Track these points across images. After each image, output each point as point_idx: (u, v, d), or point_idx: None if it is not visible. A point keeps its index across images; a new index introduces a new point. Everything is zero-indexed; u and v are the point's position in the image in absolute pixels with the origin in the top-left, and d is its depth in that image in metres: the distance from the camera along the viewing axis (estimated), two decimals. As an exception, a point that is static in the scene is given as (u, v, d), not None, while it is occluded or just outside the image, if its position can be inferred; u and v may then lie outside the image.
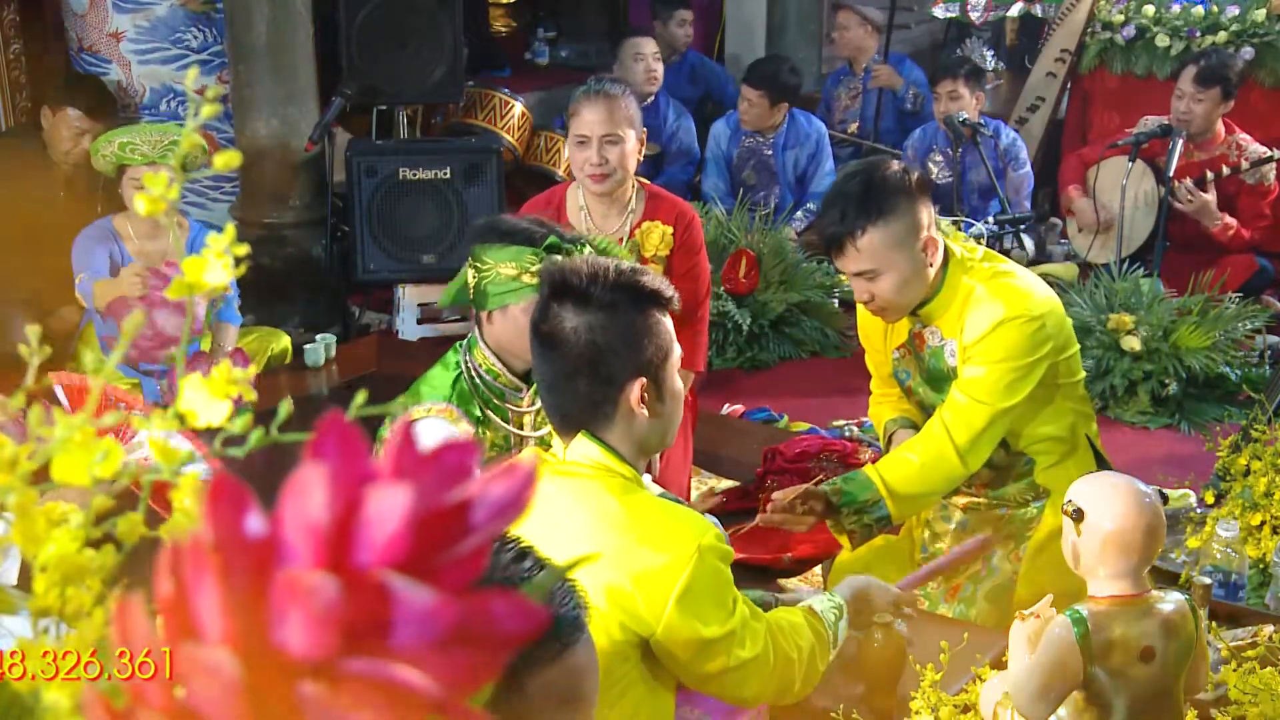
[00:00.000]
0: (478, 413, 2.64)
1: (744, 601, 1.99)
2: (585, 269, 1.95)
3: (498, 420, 2.64)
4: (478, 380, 2.64)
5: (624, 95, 3.37)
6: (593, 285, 1.93)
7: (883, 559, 2.95)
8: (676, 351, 2.01)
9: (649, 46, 6.14)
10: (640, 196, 3.45)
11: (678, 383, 2.02)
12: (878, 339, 2.95)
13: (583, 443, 1.95)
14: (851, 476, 2.72)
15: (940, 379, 2.80)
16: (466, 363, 2.66)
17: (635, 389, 1.94)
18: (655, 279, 2.00)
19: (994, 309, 2.65)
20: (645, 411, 1.96)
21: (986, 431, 2.67)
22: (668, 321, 1.99)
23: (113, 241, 4.08)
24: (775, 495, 2.70)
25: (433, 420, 2.59)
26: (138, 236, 4.10)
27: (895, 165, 2.70)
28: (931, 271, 2.68)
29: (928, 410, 2.88)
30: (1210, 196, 5.04)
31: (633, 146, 3.34)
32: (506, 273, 2.56)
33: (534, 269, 2.51)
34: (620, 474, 1.94)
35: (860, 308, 2.96)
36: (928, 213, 2.67)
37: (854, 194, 2.62)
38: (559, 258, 2.50)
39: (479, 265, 2.60)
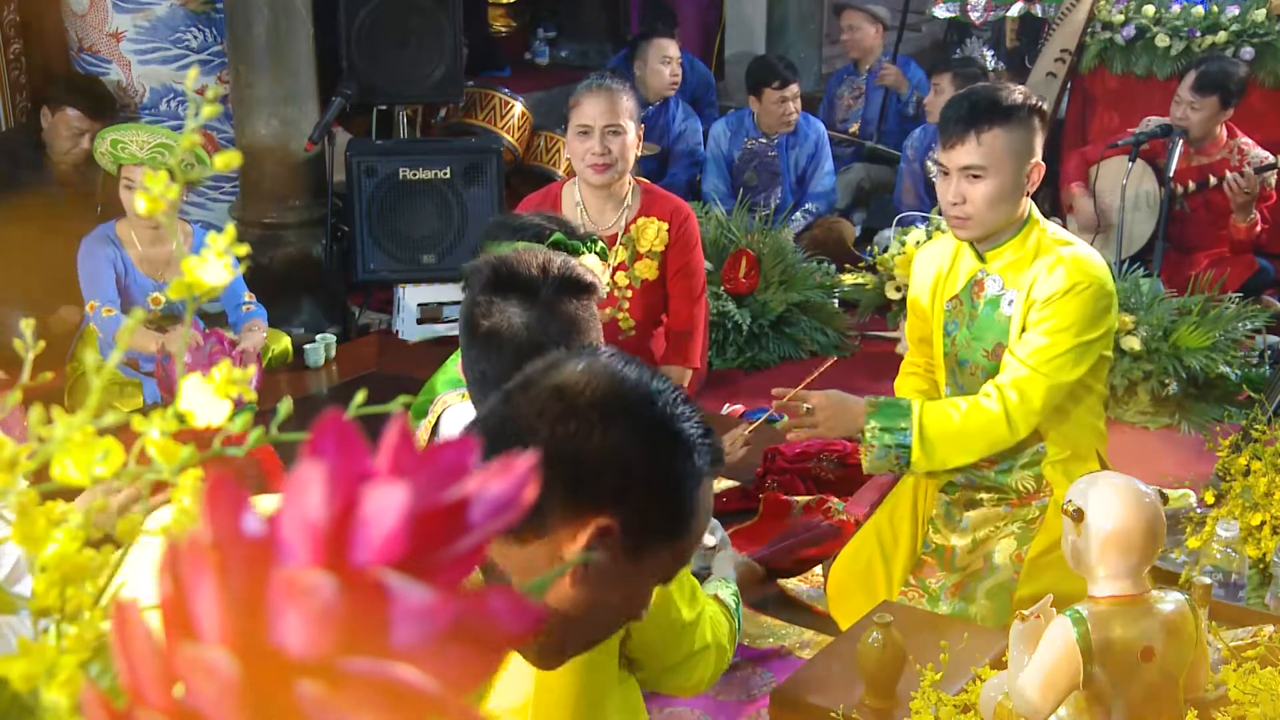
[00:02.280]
0: None
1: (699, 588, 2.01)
2: (534, 262, 1.92)
3: None
4: None
5: (625, 89, 3.40)
6: (543, 280, 1.91)
7: (884, 555, 2.95)
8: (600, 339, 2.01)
9: (674, 49, 6.18)
10: (636, 193, 3.46)
11: None
12: (927, 294, 2.95)
13: None
14: (896, 400, 2.75)
15: (987, 329, 2.81)
16: None
17: None
18: (585, 268, 1.99)
19: (1071, 270, 2.69)
20: None
21: (1042, 403, 2.71)
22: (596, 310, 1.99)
23: (115, 249, 4.07)
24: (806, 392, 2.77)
25: (466, 405, 2.60)
26: (141, 243, 4.09)
27: (1026, 89, 2.80)
28: (1024, 204, 2.74)
29: (964, 364, 2.87)
30: (1256, 189, 5.04)
31: (633, 139, 3.36)
32: None
33: None
34: None
35: (914, 259, 3.03)
36: (1040, 145, 2.74)
37: (991, 94, 2.71)
38: (581, 251, 2.52)
39: None
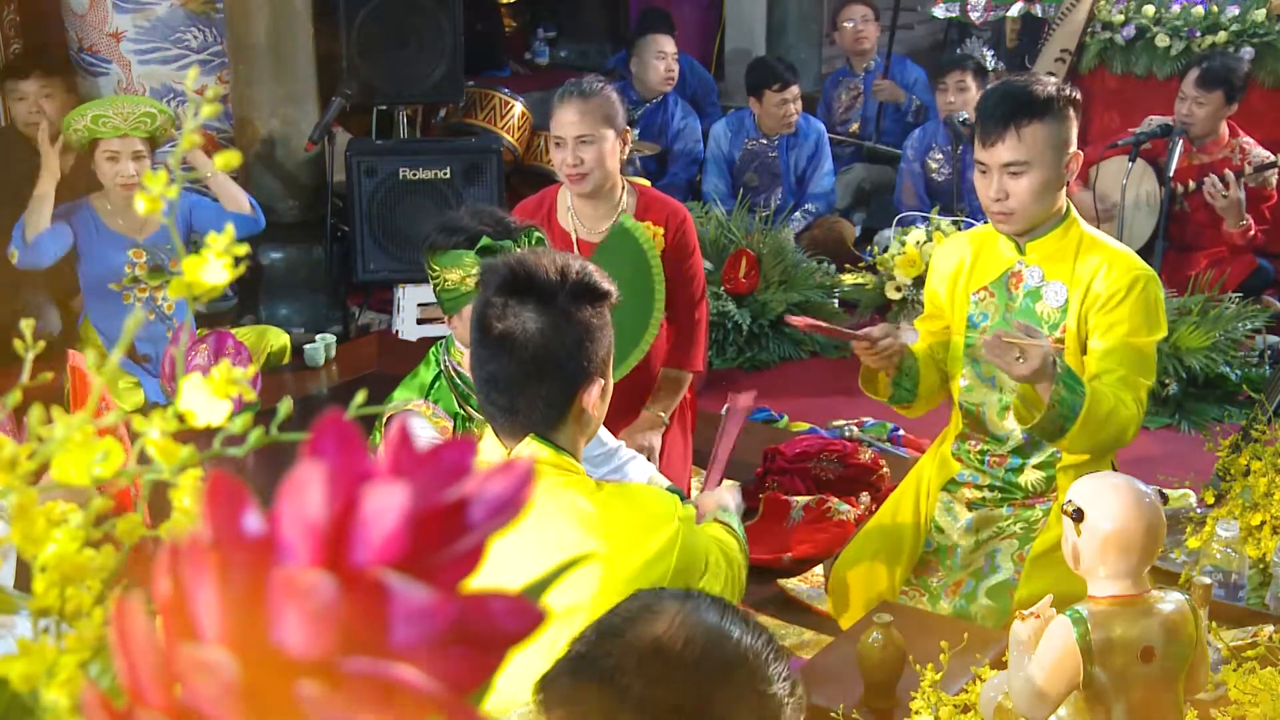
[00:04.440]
0: (456, 408, 2.66)
1: (713, 541, 2.06)
2: (552, 266, 1.91)
3: (480, 417, 2.66)
4: (455, 379, 2.67)
5: (599, 94, 3.30)
6: (561, 284, 1.90)
7: (885, 555, 2.95)
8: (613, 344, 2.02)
9: (670, 45, 6.19)
10: (630, 196, 3.42)
11: (611, 379, 2.02)
12: (946, 284, 2.94)
13: (531, 445, 1.91)
14: (1070, 370, 2.65)
15: (1028, 320, 2.80)
16: (445, 361, 2.69)
17: (594, 390, 1.93)
18: (603, 274, 1.98)
19: (1125, 267, 2.71)
20: (596, 413, 1.95)
21: (1146, 404, 2.73)
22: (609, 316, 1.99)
23: (87, 213, 4.12)
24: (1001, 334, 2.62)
25: (409, 416, 2.61)
26: (117, 208, 4.12)
27: (1058, 80, 2.81)
28: (1062, 197, 2.75)
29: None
30: (1241, 195, 5.02)
31: (611, 145, 3.29)
32: (452, 278, 2.58)
33: (474, 271, 2.53)
34: (573, 472, 1.93)
35: (937, 251, 3.02)
36: (1075, 135, 2.75)
37: (1026, 88, 2.72)
38: (511, 250, 2.51)
39: (431, 272, 2.62)
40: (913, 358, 2.90)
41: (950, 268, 2.94)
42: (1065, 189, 2.77)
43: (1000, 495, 2.93)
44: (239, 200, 4.22)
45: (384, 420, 2.65)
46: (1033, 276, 2.81)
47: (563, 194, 3.47)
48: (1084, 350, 2.76)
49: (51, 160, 4.11)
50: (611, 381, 2.00)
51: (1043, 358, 2.54)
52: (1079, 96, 2.79)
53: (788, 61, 6.10)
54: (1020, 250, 2.81)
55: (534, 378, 1.89)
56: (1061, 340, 2.78)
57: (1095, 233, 2.82)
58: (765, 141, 5.94)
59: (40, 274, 4.24)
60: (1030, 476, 2.90)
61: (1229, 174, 4.99)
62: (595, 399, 1.94)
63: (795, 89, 5.83)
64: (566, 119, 3.28)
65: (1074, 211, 2.81)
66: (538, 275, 1.89)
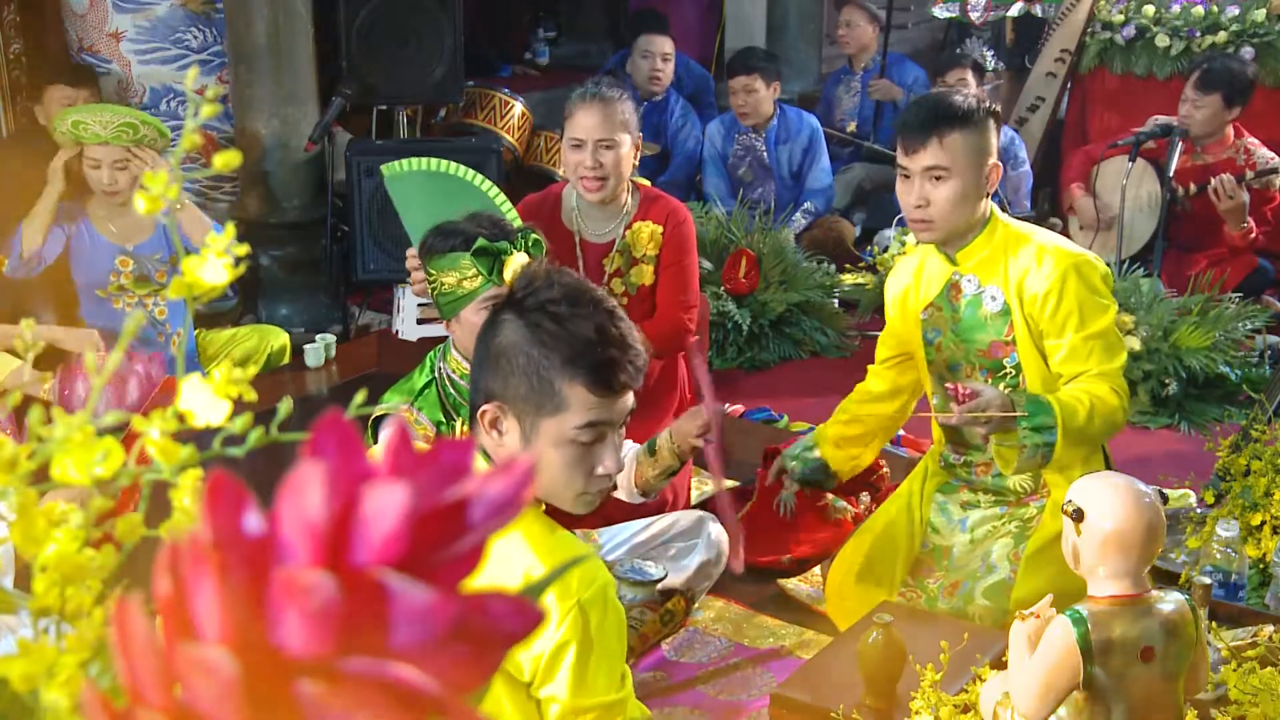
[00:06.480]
0: (441, 416, 2.65)
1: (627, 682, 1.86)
2: (542, 283, 1.87)
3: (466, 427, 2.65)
4: (450, 386, 2.66)
5: (620, 99, 3.32)
6: (521, 294, 1.87)
7: (882, 555, 2.95)
8: (587, 435, 1.83)
9: (657, 45, 6.16)
10: (635, 197, 3.43)
11: (567, 457, 1.82)
12: (897, 308, 2.98)
13: None
14: (1034, 397, 2.69)
15: (975, 329, 2.84)
16: (440, 368, 2.68)
17: (489, 410, 1.85)
18: (631, 355, 1.85)
19: (1056, 257, 2.72)
20: (498, 442, 1.86)
21: (1125, 383, 2.75)
22: (593, 398, 1.82)
23: (80, 223, 4.10)
24: (965, 398, 2.68)
25: (391, 420, 2.61)
26: (111, 217, 4.12)
27: (979, 92, 2.80)
28: (983, 205, 2.78)
29: (956, 368, 2.88)
30: (1245, 198, 5.02)
31: (628, 151, 3.30)
32: (449, 281, 2.57)
33: (470, 274, 2.53)
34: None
35: (889, 278, 3.05)
36: (995, 147, 2.79)
37: (947, 99, 2.78)
38: (508, 252, 2.52)
39: (429, 276, 2.62)
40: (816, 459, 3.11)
41: (899, 291, 2.98)
42: (986, 198, 2.78)
43: (994, 497, 2.94)
44: (203, 233, 4.12)
45: (370, 423, 2.65)
46: (970, 285, 2.84)
47: (568, 193, 3.46)
48: (1040, 350, 2.78)
49: (56, 178, 4.09)
50: (549, 441, 1.83)
51: (1002, 412, 2.61)
52: (998, 109, 2.82)
53: (763, 52, 6.07)
54: (952, 261, 2.83)
55: (478, 355, 1.90)
56: (1011, 341, 2.79)
57: (1021, 227, 2.84)
58: (754, 135, 5.94)
59: (39, 284, 4.23)
60: (1018, 478, 2.90)
61: (1228, 176, 4.99)
62: (487, 425, 1.85)
63: (750, 80, 5.76)
64: (589, 121, 3.27)
65: (997, 213, 2.83)
66: (520, 284, 1.89)
